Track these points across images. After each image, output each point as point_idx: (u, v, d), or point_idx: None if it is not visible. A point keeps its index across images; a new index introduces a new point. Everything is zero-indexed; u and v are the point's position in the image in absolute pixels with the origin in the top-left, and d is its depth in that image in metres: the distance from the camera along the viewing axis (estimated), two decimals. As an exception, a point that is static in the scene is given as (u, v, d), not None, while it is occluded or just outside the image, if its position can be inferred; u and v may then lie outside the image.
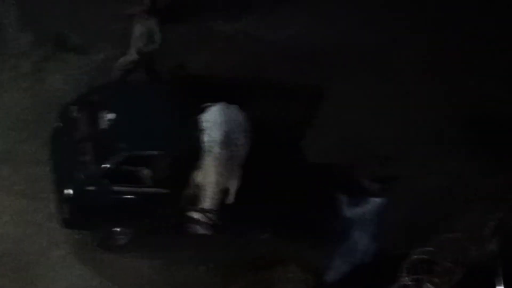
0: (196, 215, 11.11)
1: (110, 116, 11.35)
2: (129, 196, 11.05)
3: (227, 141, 11.20)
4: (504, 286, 9.42)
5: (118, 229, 11.36)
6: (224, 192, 11.28)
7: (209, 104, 11.48)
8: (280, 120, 12.51)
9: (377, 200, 11.51)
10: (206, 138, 11.16)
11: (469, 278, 9.63)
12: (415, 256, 9.68)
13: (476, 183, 13.31)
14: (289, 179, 11.96)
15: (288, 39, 14.82)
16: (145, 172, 11.25)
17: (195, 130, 11.20)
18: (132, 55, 12.35)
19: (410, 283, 9.52)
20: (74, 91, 12.45)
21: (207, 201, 11.20)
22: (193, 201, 11.25)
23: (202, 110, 11.41)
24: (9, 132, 12.25)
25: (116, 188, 10.99)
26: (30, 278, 11.06)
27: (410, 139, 14.06)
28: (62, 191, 11.06)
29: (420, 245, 9.91)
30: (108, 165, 10.86)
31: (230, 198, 11.30)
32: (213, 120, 11.28)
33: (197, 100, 11.78)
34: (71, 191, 10.97)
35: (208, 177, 11.13)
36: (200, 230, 11.34)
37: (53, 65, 12.96)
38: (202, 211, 11.14)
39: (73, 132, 11.38)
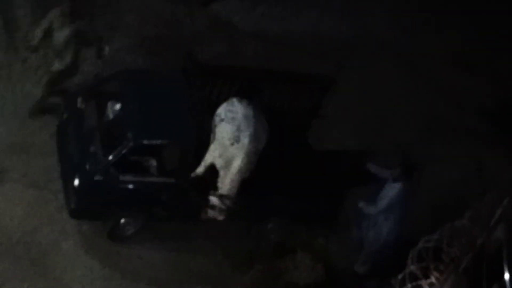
0: (214, 200, 11.07)
1: (118, 106, 11.41)
2: (136, 186, 11.07)
3: (255, 135, 11.22)
4: (510, 274, 9.35)
5: (126, 219, 11.40)
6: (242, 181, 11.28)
7: (236, 97, 11.52)
8: (295, 110, 12.44)
9: (398, 186, 11.49)
10: (233, 128, 11.15)
11: (476, 266, 9.56)
12: (422, 244, 9.61)
13: (493, 172, 13.30)
14: (306, 167, 11.95)
15: (304, 28, 14.85)
16: (153, 162, 11.30)
17: (203, 119, 11.21)
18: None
19: (416, 271, 9.46)
20: (84, 82, 12.50)
21: (226, 188, 11.20)
22: (205, 185, 11.26)
23: (228, 101, 11.46)
24: (21, 124, 12.30)
25: (123, 178, 11.01)
26: (41, 268, 11.12)
27: (428, 129, 14.06)
28: (69, 182, 11.12)
29: (427, 233, 9.84)
30: (115, 155, 10.88)
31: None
32: (243, 113, 11.27)
33: (206, 90, 11.83)
34: (78, 182, 11.02)
35: (233, 165, 11.12)
36: (215, 215, 11.30)
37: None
38: (221, 197, 11.13)
39: (80, 123, 11.42)
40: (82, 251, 11.38)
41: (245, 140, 11.13)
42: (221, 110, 11.35)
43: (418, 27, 15.42)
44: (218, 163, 11.16)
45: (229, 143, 11.14)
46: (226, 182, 11.18)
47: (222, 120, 11.27)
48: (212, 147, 11.17)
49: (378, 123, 13.89)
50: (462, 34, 15.52)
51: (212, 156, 11.16)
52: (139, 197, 11.21)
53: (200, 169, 11.16)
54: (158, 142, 11.10)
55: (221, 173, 11.20)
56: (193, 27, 14.18)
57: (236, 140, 11.12)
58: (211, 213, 11.35)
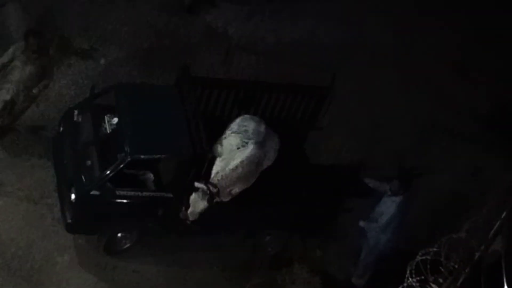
0: (199, 185, 10.95)
1: (114, 119, 11.36)
2: (133, 200, 11.00)
3: (263, 146, 11.21)
4: (509, 286, 9.33)
5: (122, 234, 11.35)
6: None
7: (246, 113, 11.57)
8: (292, 121, 12.41)
9: (397, 199, 11.46)
10: (243, 136, 11.16)
11: (474, 278, 9.54)
12: (420, 257, 9.58)
13: (491, 177, 13.28)
14: (303, 178, 11.91)
15: (300, 37, 14.83)
16: (149, 176, 11.25)
17: (199, 132, 11.16)
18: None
19: (415, 284, 9.42)
20: (79, 95, 12.47)
21: (216, 179, 11.06)
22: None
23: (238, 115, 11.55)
24: (15, 138, 12.16)
25: (120, 192, 10.94)
26: (36, 282, 11.03)
27: (425, 136, 14.05)
28: (65, 196, 11.05)
29: (425, 246, 9.81)
30: (112, 170, 10.82)
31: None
32: (254, 127, 11.32)
33: (201, 102, 11.78)
34: (74, 196, 10.96)
35: (231, 163, 11.04)
36: (194, 204, 11.09)
37: (57, 70, 12.94)
38: (207, 182, 10.98)
39: (77, 136, 11.36)
40: (77, 265, 11.30)
41: (251, 145, 11.11)
42: (234, 125, 11.38)
43: (414, 33, 15.42)
44: (219, 166, 11.10)
45: (235, 148, 11.13)
46: (219, 175, 11.04)
47: (233, 132, 11.28)
48: (218, 161, 11.15)
49: (375, 130, 13.89)
50: (458, 39, 15.53)
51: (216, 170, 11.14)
52: (135, 211, 11.13)
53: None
54: (155, 156, 11.05)
55: (219, 170, 11.12)
56: (188, 38, 14.14)
57: (243, 145, 11.11)
58: (193, 202, 11.04)
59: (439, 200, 13.15)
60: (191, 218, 11.13)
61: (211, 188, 10.89)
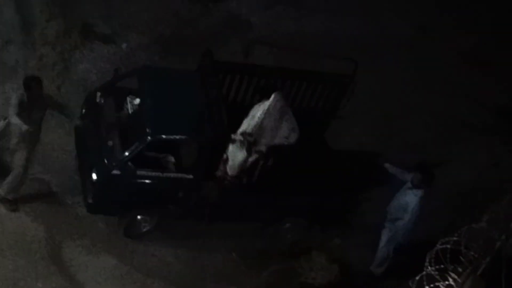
0: (235, 136, 10.97)
1: (136, 101, 11.39)
2: (153, 182, 11.04)
3: (282, 100, 11.29)
4: (528, 277, 9.28)
5: (142, 216, 11.39)
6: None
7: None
8: (313, 109, 12.40)
9: (419, 193, 11.43)
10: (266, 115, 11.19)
11: (494, 269, 9.49)
12: (440, 246, 9.54)
13: (508, 174, 13.25)
14: (321, 168, 11.86)
15: (319, 27, 14.82)
16: (170, 159, 11.27)
17: (221, 117, 11.19)
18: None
19: (434, 273, 9.39)
20: (101, 80, 12.52)
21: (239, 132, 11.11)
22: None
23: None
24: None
25: (140, 172, 10.98)
26: (56, 266, 11.09)
27: (444, 128, 14.02)
28: (87, 176, 11.11)
29: (445, 235, 9.78)
30: (133, 150, 10.85)
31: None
32: (278, 110, 11.33)
33: (223, 88, 11.80)
34: (96, 176, 11.01)
35: (255, 117, 11.10)
36: (238, 151, 11.09)
37: (80, 54, 13.02)
38: (242, 133, 11.04)
39: (99, 118, 11.40)
40: (97, 248, 11.36)
41: (271, 98, 11.16)
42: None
43: (432, 25, 15.39)
44: (246, 124, 11.14)
45: (257, 107, 11.20)
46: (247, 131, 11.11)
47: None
48: (244, 121, 11.21)
49: (394, 122, 13.89)
50: (477, 31, 15.49)
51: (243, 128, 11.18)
52: (155, 193, 11.17)
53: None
54: (176, 137, 11.07)
55: (246, 127, 11.16)
56: (210, 25, 14.16)
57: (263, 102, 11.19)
58: (231, 154, 11.04)
59: (459, 191, 13.15)
60: (230, 173, 11.11)
61: (247, 137, 10.90)
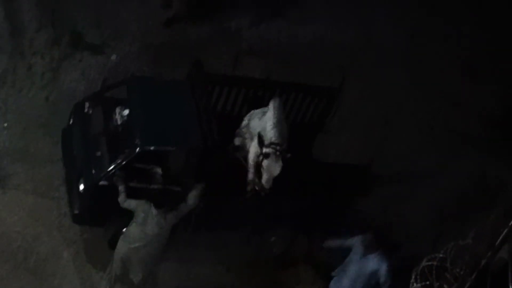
0: (267, 150, 11.00)
1: (125, 111, 11.38)
2: (141, 193, 10.98)
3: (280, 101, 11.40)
4: (514, 294, 9.28)
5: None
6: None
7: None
8: (298, 121, 12.39)
9: (379, 256, 10.78)
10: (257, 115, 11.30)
11: (480, 286, 9.50)
12: (425, 263, 9.55)
13: (498, 181, 13.24)
14: (308, 178, 11.86)
15: (310, 37, 14.80)
16: (158, 170, 11.22)
17: (211, 127, 11.17)
18: None
19: (419, 289, 9.40)
20: (90, 90, 12.49)
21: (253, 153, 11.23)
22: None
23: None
24: (24, 131, 12.26)
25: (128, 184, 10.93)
26: (41, 276, 11.07)
27: (433, 137, 14.02)
28: (74, 186, 11.08)
29: (433, 251, 9.79)
30: (121, 160, 10.83)
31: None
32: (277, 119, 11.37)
33: (211, 99, 11.78)
34: (83, 186, 10.98)
35: (267, 126, 11.13)
36: (275, 163, 11.07)
37: (69, 64, 13.01)
38: (269, 145, 11.06)
39: (87, 128, 11.38)
40: (83, 259, 11.33)
41: (270, 104, 11.29)
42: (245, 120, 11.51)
43: (424, 34, 15.38)
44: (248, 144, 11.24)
45: (259, 121, 11.27)
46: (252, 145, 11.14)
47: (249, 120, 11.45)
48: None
49: (383, 131, 13.85)
50: (467, 41, 15.50)
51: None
52: None
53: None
54: (164, 148, 11.03)
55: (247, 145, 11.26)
56: (199, 36, 14.14)
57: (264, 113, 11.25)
58: (268, 168, 11.01)
59: (445, 201, 13.12)
60: (267, 186, 11.12)
61: (278, 147, 10.91)
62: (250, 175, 11.25)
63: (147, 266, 10.85)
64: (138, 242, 10.55)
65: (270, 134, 11.09)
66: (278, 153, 10.92)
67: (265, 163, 10.97)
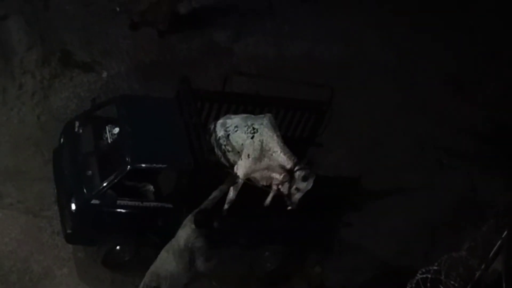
0: (300, 172, 10.93)
1: (115, 130, 11.38)
2: (132, 210, 11.01)
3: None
4: (509, 306, 9.34)
5: (121, 246, 11.32)
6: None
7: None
8: (289, 135, 12.42)
9: None
10: (239, 127, 11.18)
11: (474, 298, 9.57)
12: (420, 275, 9.59)
13: (488, 196, 13.31)
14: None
15: (299, 53, 14.86)
16: (149, 187, 11.26)
17: (201, 144, 11.17)
18: None
19: (414, 302, 9.44)
20: (81, 107, 12.48)
21: (243, 171, 11.09)
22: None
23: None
24: (16, 150, 12.23)
25: (120, 202, 10.94)
26: (35, 296, 11.04)
27: (424, 153, 14.07)
28: (66, 206, 11.04)
29: (425, 264, 9.83)
30: (113, 179, 10.83)
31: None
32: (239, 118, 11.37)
33: (201, 115, 11.79)
34: (74, 205, 10.95)
35: (264, 141, 11.05)
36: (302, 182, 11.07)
37: (59, 82, 13.00)
38: (295, 164, 11.00)
39: (77, 147, 11.37)
40: (76, 278, 11.27)
41: (262, 126, 11.09)
42: (219, 131, 11.34)
43: (414, 51, 15.47)
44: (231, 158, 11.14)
45: (245, 136, 11.09)
46: (241, 166, 11.07)
47: (228, 133, 11.26)
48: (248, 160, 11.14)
49: (373, 146, 13.90)
50: (456, 56, 15.59)
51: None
52: (135, 222, 11.14)
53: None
54: (156, 166, 11.04)
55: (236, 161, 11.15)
56: (189, 52, 14.18)
57: (252, 131, 11.08)
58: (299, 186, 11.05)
59: (436, 217, 13.16)
60: (298, 202, 11.16)
61: (302, 166, 10.91)
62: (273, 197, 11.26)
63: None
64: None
65: (281, 158, 10.98)
66: (307, 171, 10.93)
67: (301, 184, 10.97)
